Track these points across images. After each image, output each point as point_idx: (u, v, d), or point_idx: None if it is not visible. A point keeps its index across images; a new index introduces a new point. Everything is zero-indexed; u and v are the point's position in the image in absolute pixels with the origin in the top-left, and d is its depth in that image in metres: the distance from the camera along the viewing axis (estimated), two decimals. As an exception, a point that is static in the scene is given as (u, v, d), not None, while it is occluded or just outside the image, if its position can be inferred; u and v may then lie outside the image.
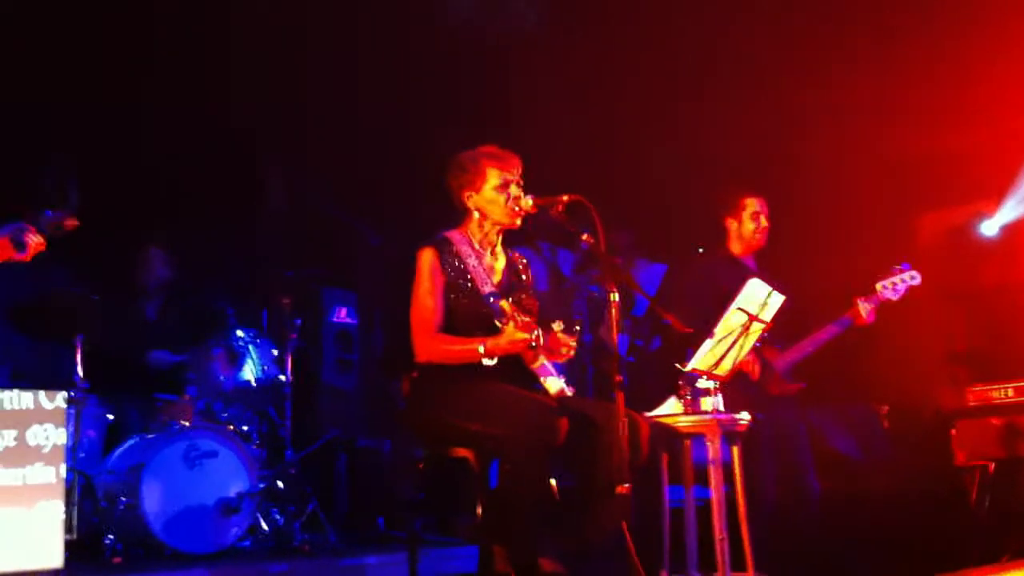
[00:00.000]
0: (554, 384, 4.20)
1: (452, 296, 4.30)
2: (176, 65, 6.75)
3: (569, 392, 4.25)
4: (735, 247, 5.72)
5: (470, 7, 7.19)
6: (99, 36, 6.56)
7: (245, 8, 6.85)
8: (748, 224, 5.66)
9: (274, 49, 7.02)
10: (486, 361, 4.15)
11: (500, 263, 4.48)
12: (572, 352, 4.31)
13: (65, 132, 6.46)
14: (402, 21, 7.23)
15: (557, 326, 4.24)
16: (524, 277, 4.55)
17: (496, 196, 4.34)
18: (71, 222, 4.49)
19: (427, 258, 4.32)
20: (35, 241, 4.30)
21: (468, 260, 4.34)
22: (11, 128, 6.28)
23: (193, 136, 6.95)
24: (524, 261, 4.61)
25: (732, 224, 5.71)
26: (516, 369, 4.23)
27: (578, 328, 4.40)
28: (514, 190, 4.32)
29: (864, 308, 5.45)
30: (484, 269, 4.35)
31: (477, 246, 4.41)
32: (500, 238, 4.48)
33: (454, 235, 4.42)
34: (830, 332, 5.51)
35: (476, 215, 4.40)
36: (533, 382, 4.23)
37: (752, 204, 5.68)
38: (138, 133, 6.80)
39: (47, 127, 6.44)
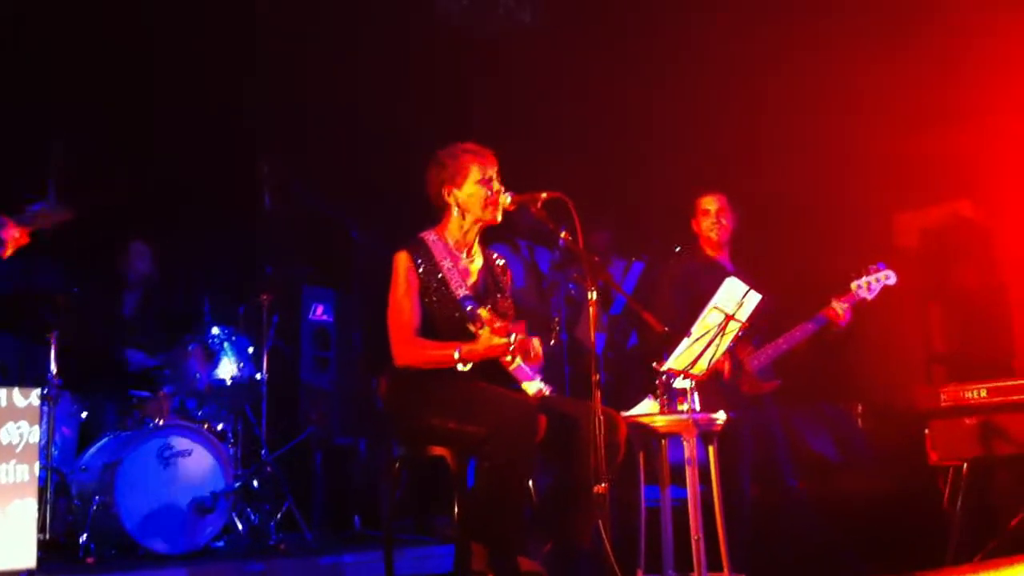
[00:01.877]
0: (532, 386, 4.20)
1: (425, 299, 4.29)
2: (166, 63, 6.73)
3: (547, 392, 4.25)
4: (707, 247, 5.77)
5: (461, 5, 7.20)
6: (84, 36, 6.54)
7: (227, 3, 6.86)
8: (706, 223, 5.73)
9: (262, 47, 7.01)
10: (460, 367, 4.14)
11: (476, 264, 4.45)
12: (539, 354, 4.31)
13: (48, 130, 6.42)
14: (390, 18, 7.22)
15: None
16: (501, 279, 4.53)
17: (477, 190, 4.32)
18: (63, 215, 4.39)
19: (402, 261, 4.31)
20: (12, 236, 4.20)
21: (443, 263, 4.31)
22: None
23: (180, 133, 6.92)
24: (502, 262, 4.59)
25: (696, 226, 5.78)
26: (493, 369, 4.21)
27: (557, 328, 4.41)
28: (495, 184, 4.32)
29: (840, 307, 5.47)
30: (459, 271, 4.32)
31: (453, 247, 4.39)
32: (478, 237, 4.45)
33: (429, 236, 4.39)
34: (805, 330, 5.53)
35: (456, 212, 4.38)
36: (511, 382, 4.22)
37: (705, 202, 5.75)
38: (126, 129, 6.76)
39: (36, 122, 6.41)
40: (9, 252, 4.23)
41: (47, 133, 6.40)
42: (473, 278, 4.40)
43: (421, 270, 4.29)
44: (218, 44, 6.84)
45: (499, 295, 4.45)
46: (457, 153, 4.37)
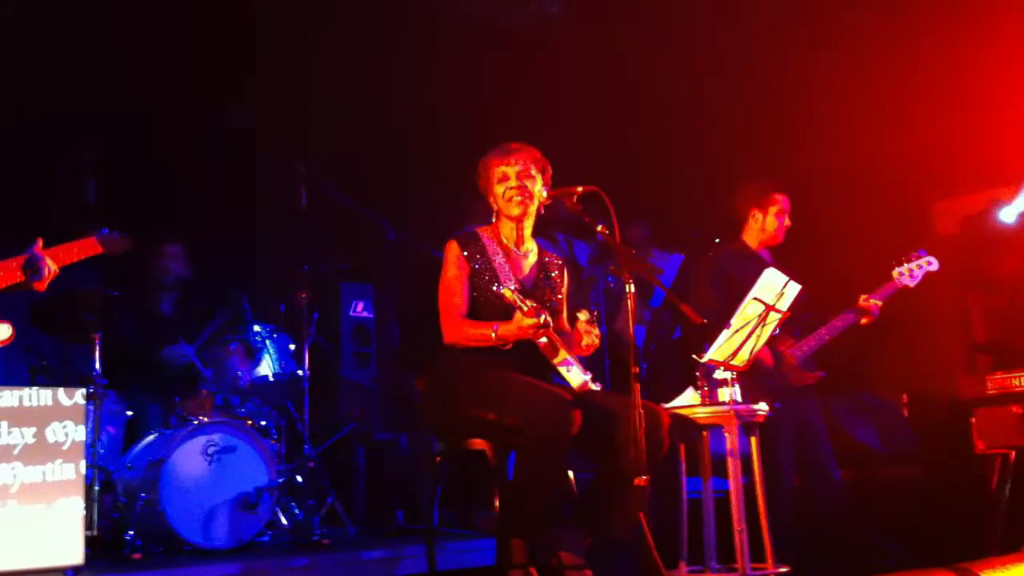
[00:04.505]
0: (577, 377, 4.22)
1: (476, 292, 4.40)
2: (197, 62, 6.76)
3: (596, 387, 4.27)
4: (752, 240, 5.70)
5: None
6: (119, 37, 6.59)
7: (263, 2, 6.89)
8: (773, 220, 5.64)
9: (292, 45, 7.03)
10: (499, 345, 4.23)
11: (530, 260, 4.57)
12: (596, 341, 4.34)
13: (86, 131, 6.48)
14: (422, 13, 7.22)
15: (583, 315, 4.29)
16: (554, 275, 4.60)
17: (498, 189, 4.47)
18: (126, 243, 4.54)
19: (452, 249, 4.47)
20: (52, 270, 4.31)
21: (495, 257, 4.45)
22: (33, 128, 6.31)
23: (213, 133, 6.96)
24: (559, 262, 4.68)
25: (757, 216, 5.66)
26: (537, 362, 4.25)
27: (596, 321, 4.41)
28: (512, 180, 4.42)
29: (871, 302, 5.45)
30: (511, 266, 4.45)
31: (505, 242, 4.52)
32: (529, 232, 4.55)
33: (484, 232, 4.54)
34: (846, 320, 5.49)
35: (500, 214, 4.54)
36: (554, 375, 4.24)
37: (781, 202, 5.66)
38: (159, 131, 6.81)
39: (68, 125, 6.47)
40: (44, 287, 4.32)
41: (83, 136, 6.47)
42: (524, 273, 4.52)
43: (472, 261, 4.42)
44: (252, 42, 6.87)
45: (549, 290, 4.51)
46: (486, 159, 4.54)
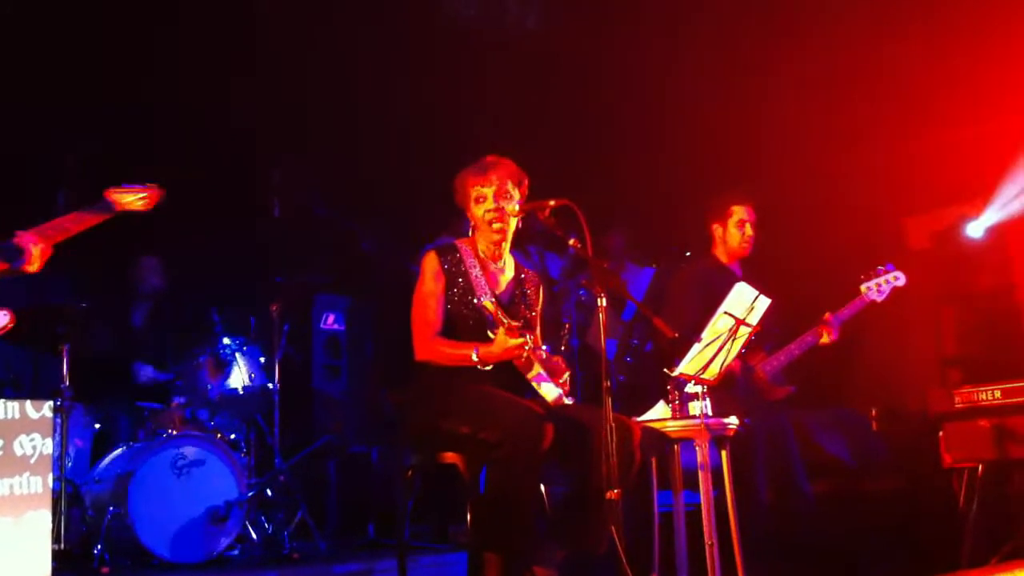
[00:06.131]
0: (551, 392, 4.22)
1: (450, 304, 4.36)
2: (172, 69, 6.73)
3: (569, 401, 4.27)
4: (721, 254, 5.73)
5: (468, 6, 7.20)
6: (98, 41, 6.55)
7: (241, 9, 6.86)
8: (733, 232, 5.66)
9: (270, 54, 7.01)
10: (480, 367, 4.20)
11: (507, 275, 4.54)
12: (567, 378, 4.35)
13: (60, 135, 6.43)
14: (398, 21, 7.22)
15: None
16: (529, 291, 4.58)
17: (474, 209, 4.43)
18: (154, 192, 4.47)
19: (430, 261, 4.42)
20: (37, 249, 4.24)
21: (471, 270, 4.40)
22: (8, 130, 6.26)
23: (187, 141, 6.93)
24: (535, 278, 4.66)
25: (718, 230, 5.71)
26: (511, 376, 4.24)
27: (568, 334, 4.43)
28: (490, 203, 4.38)
29: (826, 331, 5.48)
30: (488, 280, 4.41)
31: (484, 257, 4.48)
32: (506, 248, 4.52)
33: (462, 244, 4.50)
34: (816, 335, 5.52)
35: (478, 228, 4.50)
36: (528, 389, 4.24)
37: (739, 212, 5.67)
38: (132, 138, 6.77)
39: (43, 129, 6.42)
40: (38, 267, 4.26)
41: (59, 143, 6.42)
42: (501, 288, 4.49)
43: (448, 274, 4.38)
44: (226, 52, 6.84)
45: (524, 306, 4.51)
46: (463, 175, 4.48)
